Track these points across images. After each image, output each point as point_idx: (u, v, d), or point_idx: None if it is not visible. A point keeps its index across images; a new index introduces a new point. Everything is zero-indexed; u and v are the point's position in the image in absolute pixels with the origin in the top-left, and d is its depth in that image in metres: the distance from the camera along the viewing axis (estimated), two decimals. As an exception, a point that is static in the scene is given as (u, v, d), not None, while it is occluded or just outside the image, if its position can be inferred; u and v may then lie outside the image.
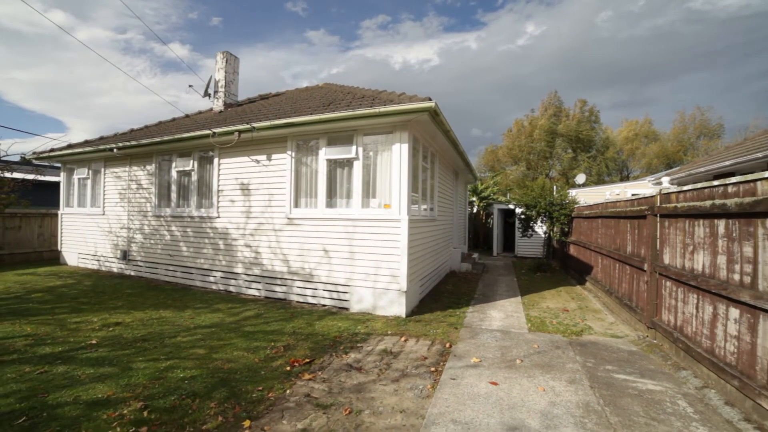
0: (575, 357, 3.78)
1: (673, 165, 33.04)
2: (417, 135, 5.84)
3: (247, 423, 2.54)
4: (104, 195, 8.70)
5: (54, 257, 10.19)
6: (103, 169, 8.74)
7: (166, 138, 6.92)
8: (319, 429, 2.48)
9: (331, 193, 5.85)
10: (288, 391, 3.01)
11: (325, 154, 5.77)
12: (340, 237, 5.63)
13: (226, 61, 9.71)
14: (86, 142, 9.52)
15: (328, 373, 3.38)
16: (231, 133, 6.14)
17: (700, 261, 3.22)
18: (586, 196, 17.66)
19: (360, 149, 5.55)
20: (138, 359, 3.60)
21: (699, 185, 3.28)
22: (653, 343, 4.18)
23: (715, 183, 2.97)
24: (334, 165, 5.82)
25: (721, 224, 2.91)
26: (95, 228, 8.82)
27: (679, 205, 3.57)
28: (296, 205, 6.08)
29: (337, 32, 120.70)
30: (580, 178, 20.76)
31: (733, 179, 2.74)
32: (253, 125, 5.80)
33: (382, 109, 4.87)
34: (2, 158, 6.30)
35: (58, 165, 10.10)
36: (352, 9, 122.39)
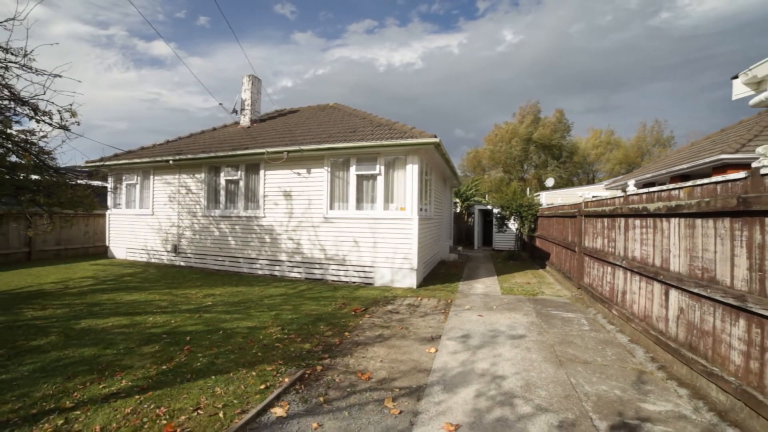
0: (530, 305, 6.00)
1: (632, 169, 36.99)
2: (423, 157, 7.93)
3: (347, 334, 4.54)
4: (153, 198, 10.28)
5: (98, 252, 11.60)
6: (152, 176, 10.32)
7: (221, 154, 8.68)
8: (388, 334, 4.53)
9: (359, 199, 7.86)
10: (360, 322, 5.03)
11: (356, 170, 7.77)
12: (366, 231, 7.65)
13: (252, 84, 11.47)
14: (130, 153, 11.03)
15: (379, 314, 5.42)
16: (281, 152, 8.02)
17: (598, 242, 5.50)
18: (552, 198, 20.38)
19: (382, 167, 7.59)
20: (251, 311, 5.50)
21: (599, 197, 5.55)
22: (579, 297, 6.48)
23: (602, 197, 5.24)
24: (361, 178, 7.83)
25: (605, 221, 5.18)
26: (145, 226, 10.39)
27: (590, 209, 5.85)
28: (331, 207, 8.04)
29: (324, 35, 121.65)
30: (550, 182, 23.59)
31: (609, 195, 5.00)
32: (301, 147, 7.72)
33: (402, 141, 6.94)
34: (86, 169, 7.87)
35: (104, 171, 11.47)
36: (340, 13, 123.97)
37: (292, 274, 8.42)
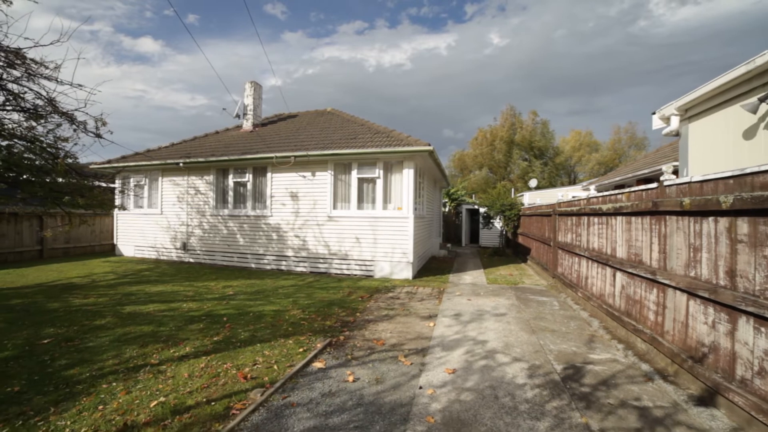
0: (511, 291, 6.96)
1: (610, 169, 38.96)
2: (417, 162, 8.80)
3: (358, 314, 5.37)
4: (162, 198, 10.83)
5: (104, 250, 12.03)
6: (160, 178, 10.86)
7: (233, 157, 9.34)
8: (393, 314, 5.38)
9: (360, 199, 8.67)
10: (367, 305, 5.86)
11: (357, 173, 8.58)
12: (367, 229, 8.47)
13: (254, 89, 12.14)
14: (137, 155, 11.52)
15: (382, 300, 6.27)
16: (288, 157, 8.75)
17: (568, 237, 6.49)
18: (534, 198, 21.60)
19: (381, 171, 8.42)
20: (270, 298, 6.26)
21: (569, 199, 6.54)
22: (554, 285, 7.48)
23: (571, 198, 6.22)
24: (362, 181, 8.65)
25: (574, 219, 6.16)
26: (154, 225, 10.92)
27: (562, 209, 6.83)
28: (334, 207, 8.83)
29: (314, 35, 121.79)
30: (533, 183, 24.86)
31: (578, 196, 5.97)
32: (308, 153, 8.47)
33: (400, 149, 7.79)
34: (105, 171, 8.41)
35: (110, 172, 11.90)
36: (331, 14, 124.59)
37: (298, 269, 9.16)
